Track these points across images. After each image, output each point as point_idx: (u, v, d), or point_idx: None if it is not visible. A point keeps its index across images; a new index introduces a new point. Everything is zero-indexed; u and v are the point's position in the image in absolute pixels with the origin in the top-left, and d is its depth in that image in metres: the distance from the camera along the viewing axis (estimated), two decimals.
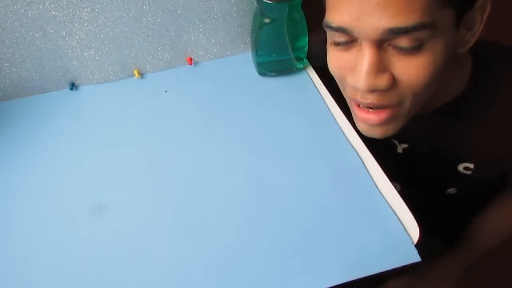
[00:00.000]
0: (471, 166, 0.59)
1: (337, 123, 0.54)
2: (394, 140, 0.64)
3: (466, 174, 0.60)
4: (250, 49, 0.65)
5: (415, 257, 0.41)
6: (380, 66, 0.42)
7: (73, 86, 0.62)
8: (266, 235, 0.44)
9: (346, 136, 0.53)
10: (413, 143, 0.62)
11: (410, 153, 0.64)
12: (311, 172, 0.49)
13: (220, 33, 0.63)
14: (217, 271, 0.42)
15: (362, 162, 0.50)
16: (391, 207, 0.45)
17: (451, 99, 0.55)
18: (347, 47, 0.45)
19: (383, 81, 0.43)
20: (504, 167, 0.60)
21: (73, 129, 0.57)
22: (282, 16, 0.54)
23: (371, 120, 0.48)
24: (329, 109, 0.56)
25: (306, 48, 0.60)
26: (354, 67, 0.45)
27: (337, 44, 0.45)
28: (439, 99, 0.54)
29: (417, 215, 0.51)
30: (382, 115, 0.47)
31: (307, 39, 0.58)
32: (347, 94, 0.49)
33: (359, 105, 0.48)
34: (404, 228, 0.43)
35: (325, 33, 0.48)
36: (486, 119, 0.55)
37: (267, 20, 0.55)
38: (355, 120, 0.52)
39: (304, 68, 0.62)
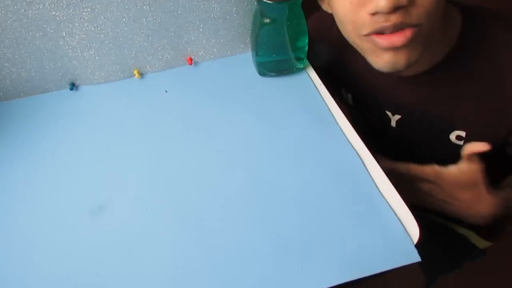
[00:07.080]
0: (463, 134, 0.60)
1: (337, 123, 0.54)
2: (388, 112, 0.65)
3: (458, 145, 0.61)
4: (250, 49, 0.65)
5: (415, 257, 0.41)
6: None
7: (73, 86, 0.62)
8: (266, 235, 0.44)
9: (346, 136, 0.53)
10: (406, 112, 0.64)
11: (403, 125, 0.65)
12: (311, 172, 0.49)
13: (220, 33, 0.63)
14: (217, 271, 0.42)
15: (362, 162, 0.50)
16: (391, 207, 0.45)
17: (441, 58, 0.56)
18: None
19: None
20: (495, 135, 0.59)
21: (73, 129, 0.57)
22: (282, 16, 0.54)
23: (397, 42, 0.49)
24: (329, 109, 0.56)
25: (306, 48, 0.60)
26: None
27: None
28: (431, 57, 0.56)
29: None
30: (407, 33, 0.48)
31: (307, 39, 0.58)
32: (364, 32, 0.50)
33: (381, 34, 0.49)
34: (404, 228, 0.44)
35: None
36: (474, 80, 0.55)
37: (267, 20, 0.55)
38: (376, 59, 0.52)
39: (304, 68, 0.62)
